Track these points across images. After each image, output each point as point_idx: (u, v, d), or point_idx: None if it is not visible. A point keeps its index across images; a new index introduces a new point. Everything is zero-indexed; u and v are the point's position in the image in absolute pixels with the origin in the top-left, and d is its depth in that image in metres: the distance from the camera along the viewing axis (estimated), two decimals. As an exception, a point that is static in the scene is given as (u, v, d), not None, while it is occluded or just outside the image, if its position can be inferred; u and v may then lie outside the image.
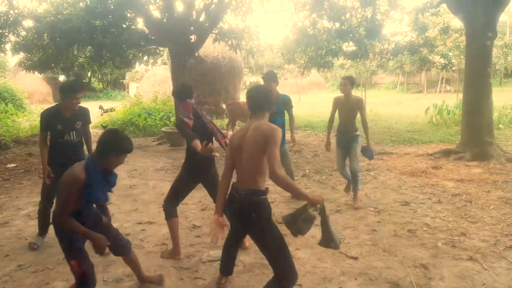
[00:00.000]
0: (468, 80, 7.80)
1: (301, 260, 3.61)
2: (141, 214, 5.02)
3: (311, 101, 26.76)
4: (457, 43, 15.81)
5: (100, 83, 41.52)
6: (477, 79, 7.53)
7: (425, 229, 4.23)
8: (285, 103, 5.14)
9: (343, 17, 10.90)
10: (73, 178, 2.47)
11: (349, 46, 12.85)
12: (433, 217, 4.58)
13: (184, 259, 3.69)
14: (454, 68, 12.05)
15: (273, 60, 24.82)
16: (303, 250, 3.83)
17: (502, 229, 4.15)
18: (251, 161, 2.50)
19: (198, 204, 5.36)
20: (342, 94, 5.02)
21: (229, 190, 2.67)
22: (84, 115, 4.03)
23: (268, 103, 2.62)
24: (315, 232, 4.28)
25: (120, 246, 2.95)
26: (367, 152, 5.12)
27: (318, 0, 10.14)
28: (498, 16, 7.65)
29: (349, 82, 4.94)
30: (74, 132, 3.89)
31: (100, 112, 18.49)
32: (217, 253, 3.74)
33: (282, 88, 38.06)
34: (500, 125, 11.69)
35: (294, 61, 14.05)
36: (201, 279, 3.32)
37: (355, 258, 3.60)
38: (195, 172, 3.66)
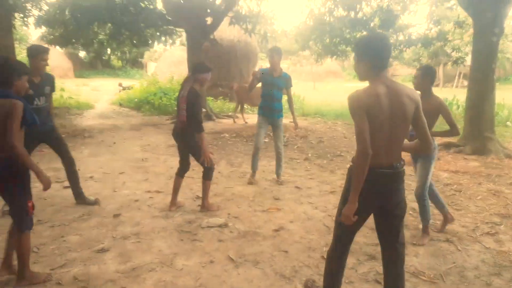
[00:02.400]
0: (473, 76, 7.94)
1: (291, 231, 3.96)
2: (150, 184, 5.43)
3: (326, 90, 26.81)
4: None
5: (120, 61, 42.13)
6: (481, 75, 7.67)
7: (411, 212, 4.52)
8: (286, 81, 5.44)
9: (358, 6, 11.03)
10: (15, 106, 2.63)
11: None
12: (420, 202, 4.86)
13: (185, 224, 4.08)
14: (466, 63, 12.03)
15: (289, 46, 24.87)
16: (295, 223, 4.18)
17: (483, 218, 4.42)
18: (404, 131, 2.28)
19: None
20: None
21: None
22: (51, 80, 4.31)
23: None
24: (307, 208, 4.64)
25: None
26: None
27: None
28: (506, 13, 7.70)
29: (422, 74, 3.63)
30: (43, 97, 4.15)
31: (119, 89, 19.02)
32: (215, 220, 4.13)
33: (298, 75, 38.17)
34: (508, 123, 11.73)
35: (308, 48, 14.21)
36: (199, 241, 3.70)
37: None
38: None
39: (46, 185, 2.87)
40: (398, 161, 2.31)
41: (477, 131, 7.67)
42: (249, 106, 12.92)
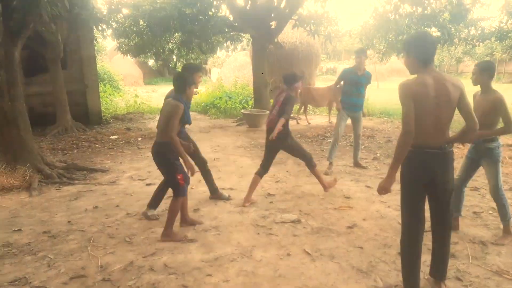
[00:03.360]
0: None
1: (365, 228, 4.00)
2: (223, 182, 5.71)
3: (390, 89, 25.88)
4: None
5: (184, 68, 43.89)
6: None
7: (491, 212, 4.35)
8: (368, 78, 6.21)
9: (426, 1, 10.64)
10: (177, 107, 3.58)
11: (432, 32, 12.45)
12: (501, 202, 4.64)
13: (260, 219, 4.27)
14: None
15: (351, 46, 24.41)
16: (368, 221, 4.21)
17: None
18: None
19: (272, 177, 5.92)
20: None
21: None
22: None
23: None
24: (379, 207, 4.63)
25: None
26: None
27: (401, -16, 10.02)
28: None
29: (480, 70, 3.56)
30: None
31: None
32: (288, 216, 4.28)
33: (360, 74, 36.87)
34: None
35: (373, 47, 13.92)
36: (274, 235, 3.87)
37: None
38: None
39: (192, 171, 3.77)
40: (446, 143, 2.57)
41: None
42: (311, 107, 12.96)
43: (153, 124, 12.05)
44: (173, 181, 3.75)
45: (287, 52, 15.38)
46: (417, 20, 11.12)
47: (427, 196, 2.70)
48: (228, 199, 4.96)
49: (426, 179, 2.60)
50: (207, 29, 10.28)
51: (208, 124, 11.66)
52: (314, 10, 11.56)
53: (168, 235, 3.79)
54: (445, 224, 2.76)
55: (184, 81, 3.75)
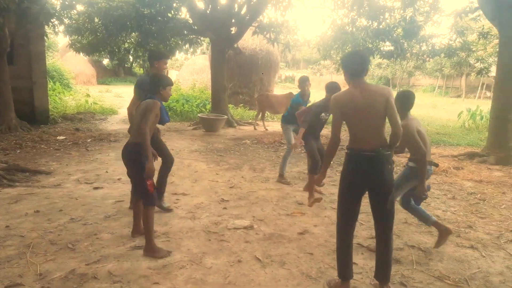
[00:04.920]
0: (498, 86, 7.89)
1: (316, 234, 4.04)
2: (176, 187, 5.58)
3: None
4: (497, 49, 15.51)
5: (142, 69, 43.00)
6: (506, 86, 7.61)
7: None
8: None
9: (381, 17, 11.09)
10: (154, 103, 3.47)
11: (385, 46, 12.99)
12: (444, 210, 4.88)
13: (212, 225, 4.20)
14: (490, 74, 11.91)
15: (310, 56, 24.94)
16: (319, 227, 4.26)
17: (508, 226, 4.40)
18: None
19: (227, 182, 5.86)
20: None
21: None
22: None
23: None
24: (331, 213, 4.71)
25: None
26: None
27: (358, -2, 10.38)
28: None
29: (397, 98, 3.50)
30: None
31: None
32: (241, 222, 4.24)
33: (317, 84, 38.10)
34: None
35: (330, 57, 14.30)
36: (226, 241, 3.81)
37: (364, 238, 3.98)
38: None
39: (148, 174, 3.42)
40: (382, 146, 2.75)
41: (502, 141, 7.61)
42: (269, 114, 13.06)
43: (104, 125, 11.62)
44: (142, 187, 3.48)
45: (247, 58, 15.46)
46: (373, 34, 11.57)
47: (368, 195, 2.90)
48: (168, 210, 4.63)
49: (362, 179, 2.82)
50: (165, 30, 10.11)
51: (163, 127, 11.40)
52: (275, 18, 11.71)
53: (150, 250, 3.48)
54: (384, 223, 2.89)
55: (157, 82, 3.61)
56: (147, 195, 3.47)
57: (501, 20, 7.74)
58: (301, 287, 3.03)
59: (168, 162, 4.54)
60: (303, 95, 6.01)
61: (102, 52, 13.83)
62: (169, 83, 3.69)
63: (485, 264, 3.49)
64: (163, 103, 3.91)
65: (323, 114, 5.24)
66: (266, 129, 11.38)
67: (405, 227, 4.33)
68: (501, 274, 3.32)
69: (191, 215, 4.49)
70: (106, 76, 36.28)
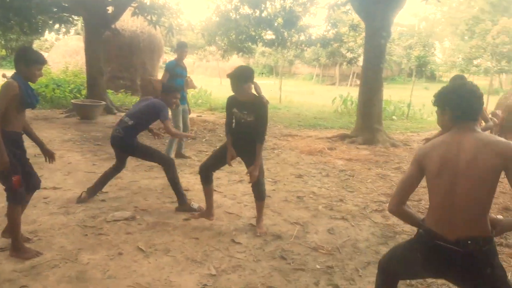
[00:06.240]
0: (364, 74, 8.83)
1: (201, 219, 4.01)
2: (46, 180, 4.97)
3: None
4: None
5: (4, 50, 37.54)
6: (371, 74, 8.56)
7: (311, 196, 4.90)
8: (186, 70, 6.32)
9: (263, 5, 11.43)
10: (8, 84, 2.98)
11: (267, 34, 13.48)
12: (319, 187, 5.30)
13: (89, 220, 3.87)
14: (359, 63, 13.26)
15: (196, 41, 24.64)
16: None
17: (372, 198, 4.98)
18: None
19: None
20: None
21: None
22: None
23: None
24: (217, 197, 4.73)
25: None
26: None
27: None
28: (393, 18, 8.71)
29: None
30: None
31: (3, 80, 16.99)
32: (121, 213, 4.00)
33: (204, 70, 37.94)
34: (394, 117, 13.23)
35: (215, 43, 14.29)
36: (105, 235, 3.56)
37: (248, 218, 4.10)
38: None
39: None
40: (469, 236, 1.71)
41: (368, 123, 8.54)
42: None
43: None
44: (7, 184, 3.08)
45: (127, 40, 14.59)
46: (255, 22, 11.86)
47: None
48: (199, 210, 4.19)
49: (438, 276, 2.04)
50: (29, 6, 8.90)
51: (29, 115, 10.15)
52: (156, 0, 11.21)
53: (16, 250, 3.10)
54: None
55: (21, 58, 3.06)
56: (12, 192, 3.07)
57: (367, 13, 8.62)
58: (186, 272, 2.99)
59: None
60: (179, 59, 6.08)
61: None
62: (37, 60, 3.08)
63: (353, 233, 3.88)
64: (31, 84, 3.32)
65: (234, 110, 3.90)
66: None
67: (285, 205, 4.57)
68: (367, 240, 3.73)
69: (64, 210, 4.07)
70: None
